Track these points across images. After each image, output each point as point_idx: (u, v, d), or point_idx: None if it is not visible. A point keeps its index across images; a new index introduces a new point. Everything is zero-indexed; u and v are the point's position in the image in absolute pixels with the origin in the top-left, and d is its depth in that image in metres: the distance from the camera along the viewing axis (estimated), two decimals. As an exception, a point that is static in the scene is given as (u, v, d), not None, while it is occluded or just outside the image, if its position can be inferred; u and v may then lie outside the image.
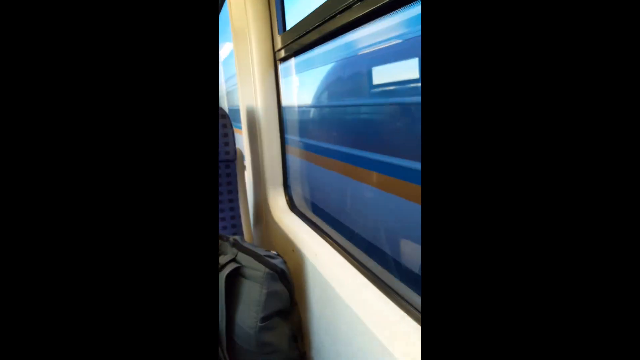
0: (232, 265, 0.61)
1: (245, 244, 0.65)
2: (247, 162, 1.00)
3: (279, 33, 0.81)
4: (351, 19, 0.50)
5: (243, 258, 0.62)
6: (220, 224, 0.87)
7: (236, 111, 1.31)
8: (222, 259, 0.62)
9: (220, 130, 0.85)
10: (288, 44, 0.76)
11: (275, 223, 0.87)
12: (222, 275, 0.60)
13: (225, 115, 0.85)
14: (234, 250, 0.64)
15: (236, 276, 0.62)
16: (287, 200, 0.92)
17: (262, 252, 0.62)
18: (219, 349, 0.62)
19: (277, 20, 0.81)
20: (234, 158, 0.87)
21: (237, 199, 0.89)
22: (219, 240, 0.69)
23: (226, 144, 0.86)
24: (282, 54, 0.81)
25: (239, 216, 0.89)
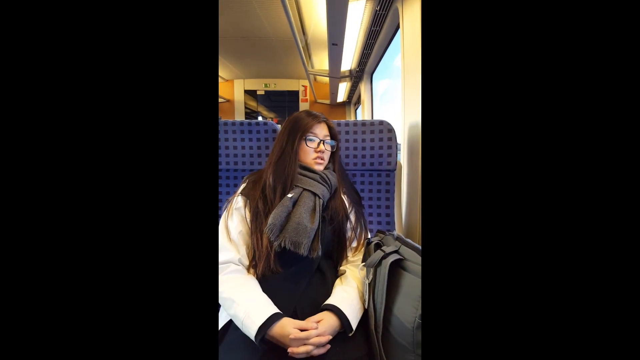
0: (395, 256, 0.65)
1: (407, 240, 0.68)
2: (404, 173, 1.07)
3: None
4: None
5: (406, 251, 0.65)
6: (376, 224, 0.95)
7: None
8: (387, 249, 0.68)
9: (385, 143, 0.96)
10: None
11: None
12: (386, 263, 0.65)
13: (391, 130, 0.96)
14: (397, 243, 0.68)
15: (397, 268, 0.65)
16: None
17: (425, 249, 0.64)
18: (375, 336, 0.65)
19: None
20: (394, 169, 0.96)
21: (392, 206, 0.95)
22: (380, 234, 0.76)
23: (389, 155, 0.96)
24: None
25: (393, 222, 0.94)
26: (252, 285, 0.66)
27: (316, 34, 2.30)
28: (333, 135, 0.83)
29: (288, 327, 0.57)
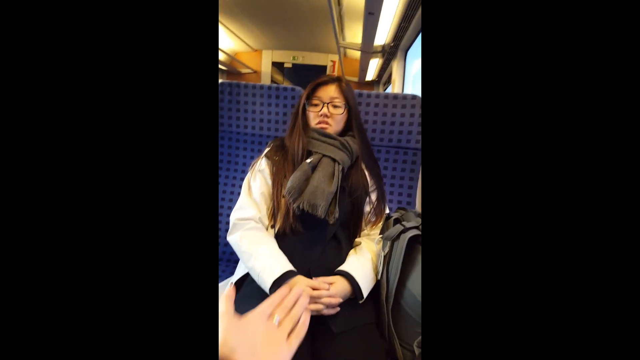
0: (415, 232, 0.64)
1: (429, 218, 0.67)
2: None
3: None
4: None
5: (426, 228, 0.64)
6: (396, 203, 0.94)
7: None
8: (407, 224, 0.67)
9: (416, 120, 0.92)
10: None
11: None
12: (405, 237, 0.64)
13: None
14: (419, 219, 0.67)
15: (416, 244, 0.65)
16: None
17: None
18: (385, 307, 0.66)
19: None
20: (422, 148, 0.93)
21: (416, 186, 0.93)
22: (401, 210, 0.75)
23: (419, 132, 0.92)
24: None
25: (414, 203, 0.93)
26: (270, 242, 0.68)
27: (351, 2, 2.17)
28: (346, 98, 0.77)
29: (301, 284, 0.59)
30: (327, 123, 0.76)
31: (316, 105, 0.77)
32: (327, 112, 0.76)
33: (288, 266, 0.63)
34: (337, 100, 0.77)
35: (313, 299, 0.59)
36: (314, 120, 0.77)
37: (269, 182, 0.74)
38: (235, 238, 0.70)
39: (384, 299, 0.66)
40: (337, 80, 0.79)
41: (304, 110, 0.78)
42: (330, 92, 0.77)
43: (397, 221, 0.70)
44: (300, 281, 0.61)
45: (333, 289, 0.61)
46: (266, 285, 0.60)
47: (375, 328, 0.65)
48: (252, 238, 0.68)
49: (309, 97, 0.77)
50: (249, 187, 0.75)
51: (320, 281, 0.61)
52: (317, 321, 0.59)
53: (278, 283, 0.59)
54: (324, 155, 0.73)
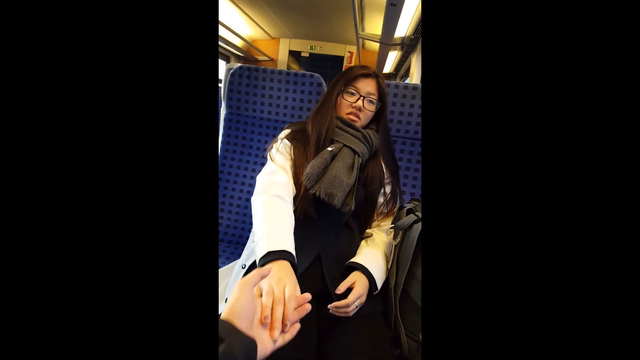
0: (428, 223, 0.63)
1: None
2: None
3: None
4: None
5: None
6: (409, 195, 0.93)
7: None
8: (421, 215, 0.66)
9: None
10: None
11: None
12: (417, 227, 0.64)
13: None
14: (432, 211, 0.66)
15: (428, 235, 0.64)
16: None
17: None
18: (393, 295, 0.66)
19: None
20: None
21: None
22: (415, 201, 0.74)
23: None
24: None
25: None
26: (288, 218, 0.64)
27: (373, -8, 2.12)
28: (381, 96, 0.78)
29: (288, 279, 0.49)
30: (357, 116, 0.75)
31: (352, 94, 0.75)
32: (362, 105, 0.74)
33: (290, 247, 0.57)
34: (373, 96, 0.76)
35: (344, 311, 0.57)
36: (345, 109, 0.76)
37: (289, 163, 0.73)
38: (258, 200, 0.65)
39: (392, 288, 0.66)
40: (377, 75, 0.77)
41: (333, 94, 0.75)
42: (369, 86, 0.76)
43: (410, 211, 0.70)
44: (287, 276, 0.51)
45: (358, 288, 0.59)
46: (259, 252, 0.55)
47: (381, 317, 0.65)
48: (274, 207, 0.63)
49: (347, 85, 0.75)
50: (274, 158, 0.73)
51: (343, 287, 0.59)
52: (323, 308, 0.59)
53: (270, 256, 0.54)
54: (345, 145, 0.72)
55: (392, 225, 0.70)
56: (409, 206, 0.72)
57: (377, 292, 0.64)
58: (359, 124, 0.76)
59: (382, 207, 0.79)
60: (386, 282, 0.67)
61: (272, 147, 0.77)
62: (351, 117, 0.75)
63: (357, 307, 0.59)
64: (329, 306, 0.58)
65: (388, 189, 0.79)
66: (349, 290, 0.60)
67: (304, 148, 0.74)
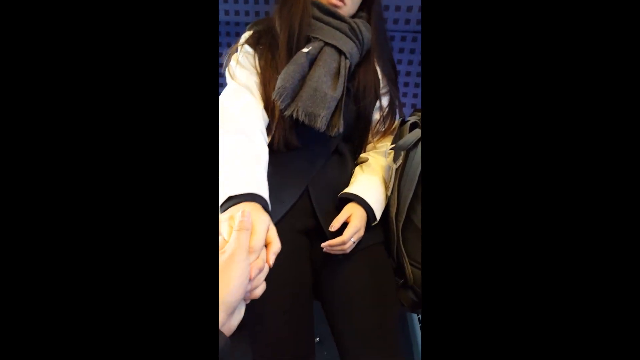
0: (438, 138, 0.51)
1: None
2: None
3: None
4: None
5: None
6: (410, 107, 0.78)
7: None
8: (427, 128, 0.53)
9: None
10: None
11: None
12: (424, 145, 0.51)
13: None
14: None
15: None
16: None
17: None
18: (395, 225, 0.58)
19: None
20: None
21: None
22: (419, 112, 0.59)
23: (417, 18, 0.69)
24: None
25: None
26: (251, 156, 0.46)
27: None
28: None
29: (260, 227, 0.35)
30: (341, 0, 0.55)
31: None
32: None
33: (256, 189, 0.41)
34: None
35: (341, 248, 0.50)
36: None
37: (255, 79, 0.55)
38: (220, 141, 0.46)
39: (393, 217, 0.57)
40: None
41: None
42: None
43: (415, 126, 0.56)
44: (261, 225, 0.35)
45: (355, 222, 0.51)
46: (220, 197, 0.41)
47: (383, 248, 0.59)
48: (234, 148, 0.45)
49: None
50: (234, 75, 0.54)
51: (337, 223, 0.51)
52: (317, 247, 0.52)
53: (233, 200, 0.40)
54: (326, 44, 0.53)
55: (393, 145, 0.57)
56: (412, 119, 0.57)
57: (376, 222, 0.56)
58: (343, 10, 0.56)
59: (378, 124, 0.64)
60: (386, 211, 0.58)
61: (230, 59, 0.57)
62: (332, 0, 0.54)
63: (354, 242, 0.51)
64: (323, 245, 0.50)
65: (385, 101, 0.62)
66: (344, 225, 0.51)
67: (272, 54, 0.55)
